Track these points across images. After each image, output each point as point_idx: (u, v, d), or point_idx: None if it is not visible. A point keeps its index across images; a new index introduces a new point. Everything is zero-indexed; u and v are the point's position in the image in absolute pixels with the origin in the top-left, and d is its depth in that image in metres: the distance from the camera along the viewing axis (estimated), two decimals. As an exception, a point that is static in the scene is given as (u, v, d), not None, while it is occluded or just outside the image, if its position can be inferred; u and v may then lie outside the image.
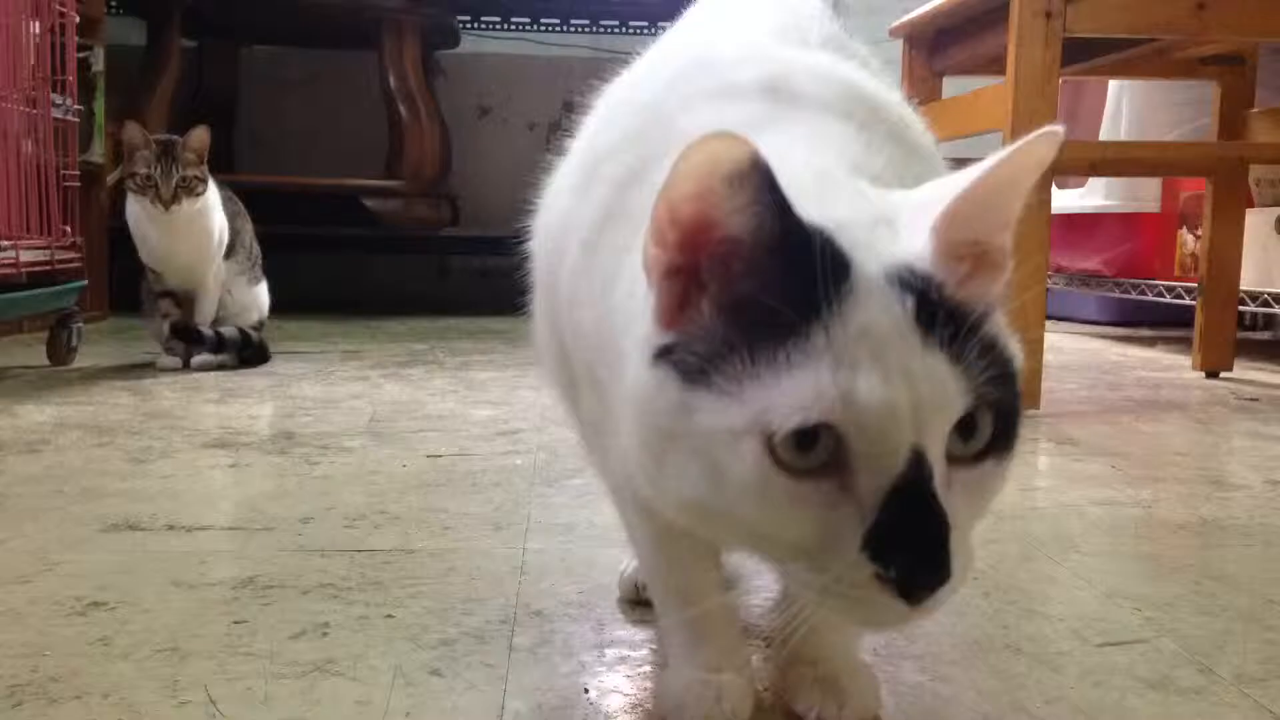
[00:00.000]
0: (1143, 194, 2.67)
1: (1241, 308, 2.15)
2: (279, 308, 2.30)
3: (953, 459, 0.44)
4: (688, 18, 0.74)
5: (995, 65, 1.89)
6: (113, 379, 1.83)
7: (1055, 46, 1.52)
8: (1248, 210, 2.09)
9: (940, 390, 0.42)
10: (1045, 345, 1.62)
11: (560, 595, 0.80)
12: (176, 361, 1.94)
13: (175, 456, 1.24)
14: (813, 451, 0.42)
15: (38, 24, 2.00)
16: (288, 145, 3.79)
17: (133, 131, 1.83)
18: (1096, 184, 2.79)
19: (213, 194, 1.92)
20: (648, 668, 0.67)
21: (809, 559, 0.44)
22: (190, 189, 1.81)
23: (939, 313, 0.43)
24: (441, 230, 3.22)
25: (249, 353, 2.00)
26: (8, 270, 1.80)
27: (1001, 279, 0.47)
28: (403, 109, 3.09)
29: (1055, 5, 1.51)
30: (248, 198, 3.20)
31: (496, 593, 0.80)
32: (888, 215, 0.46)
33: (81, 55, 2.52)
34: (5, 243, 1.81)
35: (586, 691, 0.64)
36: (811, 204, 0.44)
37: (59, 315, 1.99)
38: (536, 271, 0.67)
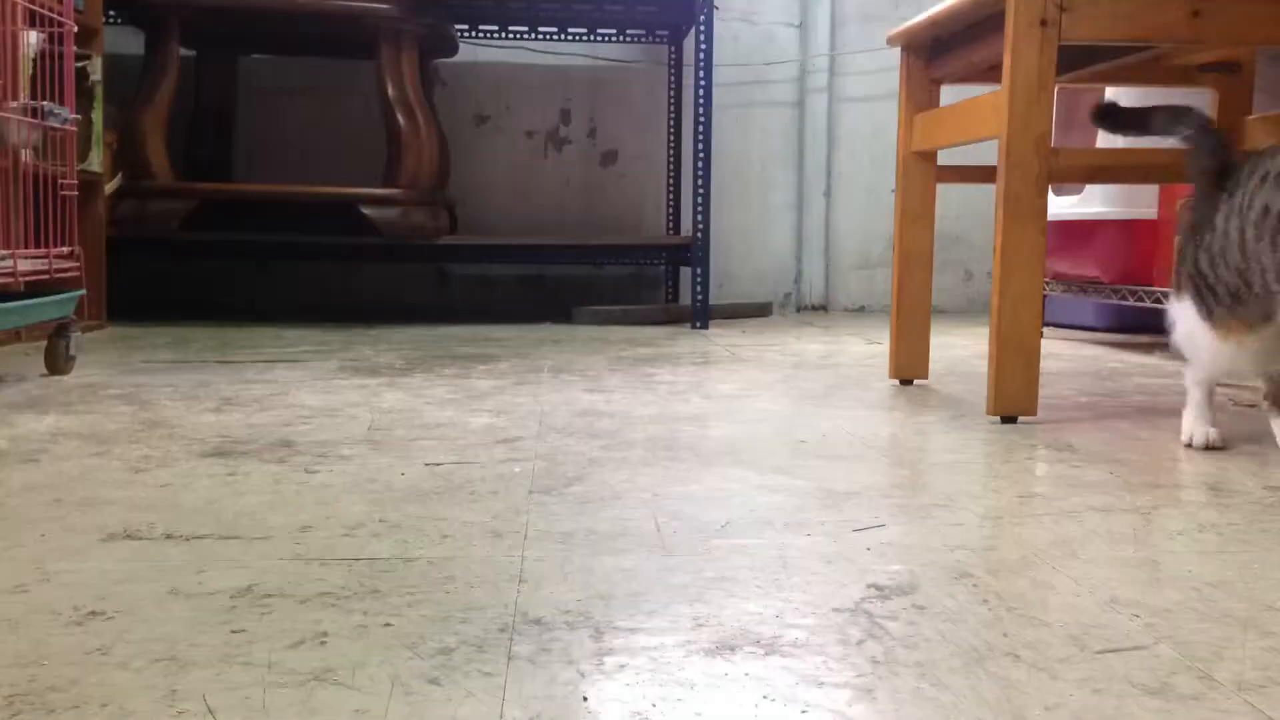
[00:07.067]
0: (1140, 201, 2.68)
1: (1239, 314, 2.15)
2: (278, 316, 2.30)
3: None
4: None
5: (993, 73, 1.89)
6: (111, 388, 1.83)
7: (1050, 54, 1.52)
8: (1245, 216, 2.09)
9: None
10: (1043, 352, 1.62)
11: (559, 603, 0.80)
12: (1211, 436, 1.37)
13: (173, 465, 1.24)
14: None
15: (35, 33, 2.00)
16: (286, 154, 3.79)
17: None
18: (1094, 191, 2.80)
19: None
20: (647, 675, 0.67)
21: None
22: None
23: None
24: (440, 238, 3.22)
25: None
26: (6, 279, 1.81)
27: None
28: (401, 118, 3.09)
29: (1050, 13, 1.51)
30: (247, 207, 3.22)
31: (495, 601, 0.80)
32: None
33: (79, 65, 2.52)
34: (3, 252, 1.82)
35: (585, 700, 0.64)
36: None
37: (57, 324, 1.99)
38: None
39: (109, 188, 2.92)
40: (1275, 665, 0.69)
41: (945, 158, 2.09)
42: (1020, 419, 1.59)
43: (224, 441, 1.39)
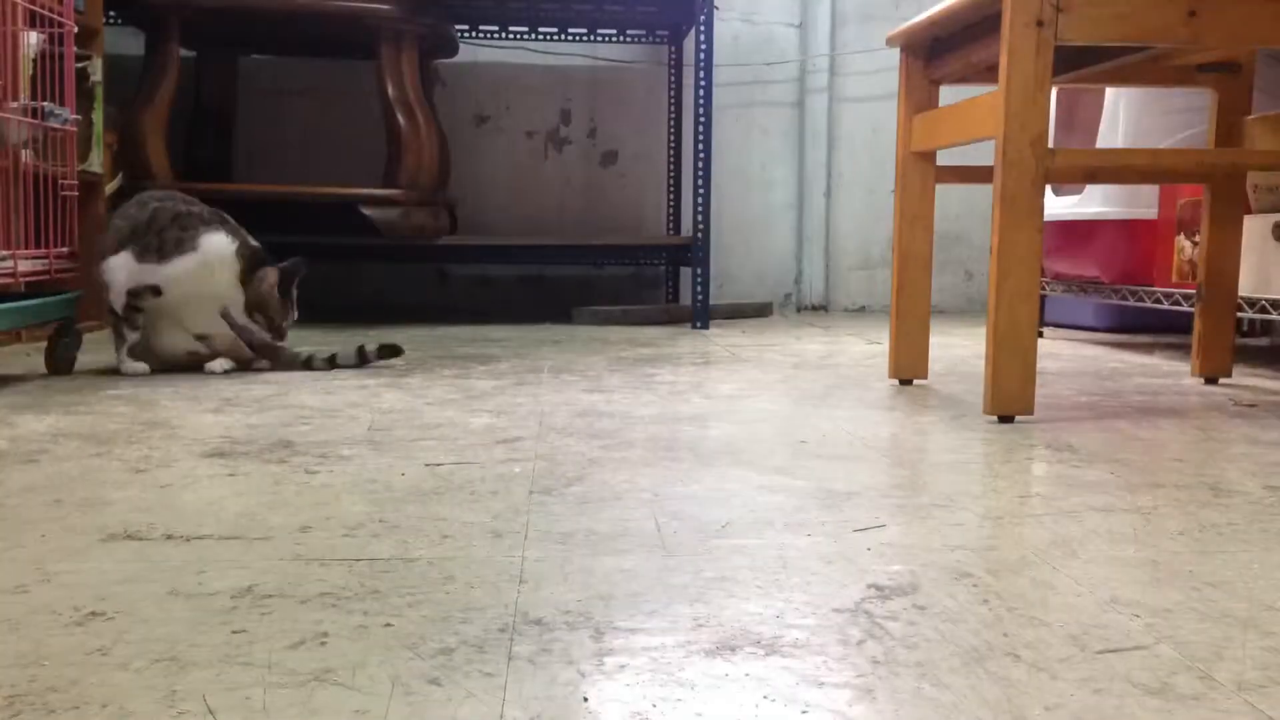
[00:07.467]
0: (1140, 200, 2.68)
1: (1239, 314, 2.15)
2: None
3: None
4: None
5: (991, 73, 1.89)
6: (111, 388, 1.83)
7: (1047, 55, 1.52)
8: (1245, 216, 2.09)
9: None
10: (1043, 352, 1.62)
11: (559, 604, 0.80)
12: None
13: (174, 466, 1.24)
14: None
15: (35, 34, 2.00)
16: (287, 155, 3.79)
17: None
18: (1094, 191, 2.80)
19: None
20: (647, 676, 0.67)
21: None
22: None
23: None
24: (440, 238, 3.22)
25: None
26: (6, 280, 1.81)
27: None
28: (401, 118, 3.09)
29: (1047, 14, 1.51)
30: (247, 208, 3.22)
31: (495, 601, 0.80)
32: None
33: (80, 65, 2.52)
34: (3, 252, 1.82)
35: (585, 700, 0.64)
36: None
37: (57, 324, 1.99)
38: None
39: (109, 188, 2.92)
40: (1275, 665, 0.69)
41: (946, 158, 2.09)
42: (1020, 418, 1.59)
43: (224, 442, 1.39)
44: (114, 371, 2.02)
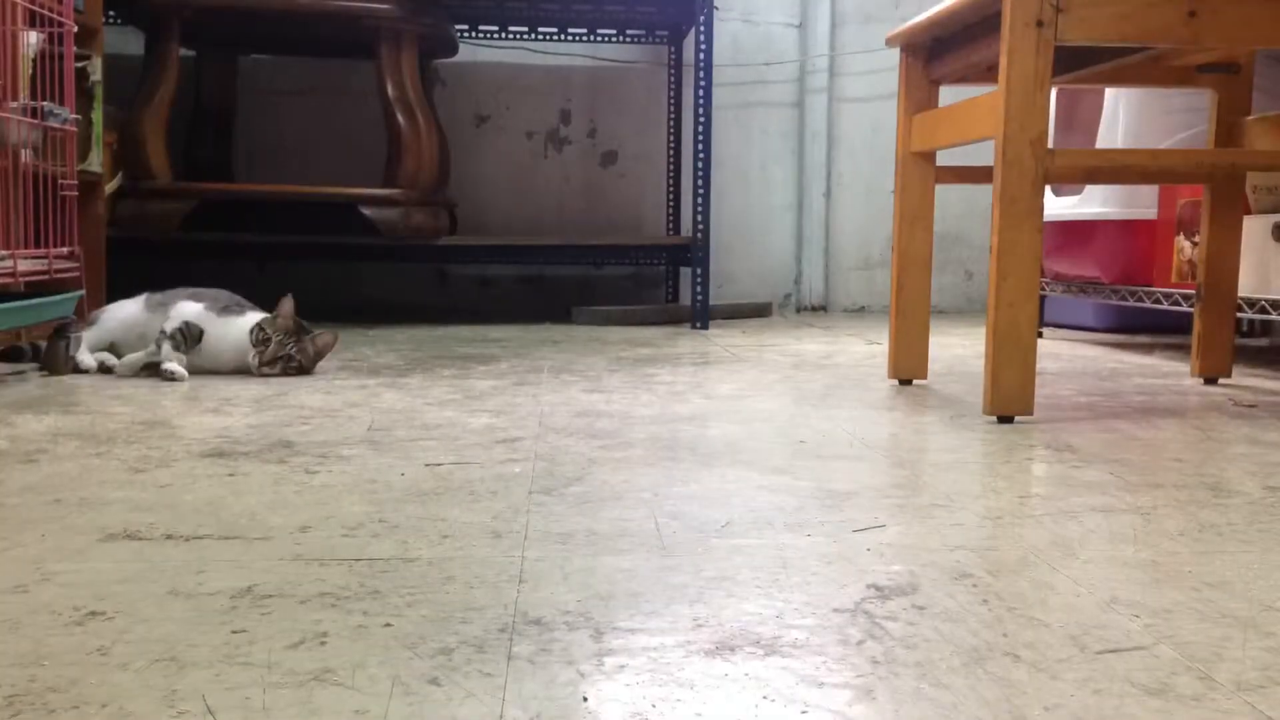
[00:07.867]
0: (1140, 201, 2.68)
1: (1239, 314, 2.15)
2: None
3: None
4: None
5: (991, 74, 1.89)
6: (110, 388, 1.83)
7: (1047, 55, 1.52)
8: (1245, 217, 2.09)
9: None
10: (1043, 352, 1.62)
11: (559, 604, 0.80)
12: None
13: (173, 466, 1.24)
14: None
15: (34, 33, 2.00)
16: (286, 154, 3.79)
17: None
18: (1094, 191, 2.80)
19: None
20: (647, 676, 0.67)
21: None
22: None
23: None
24: (440, 239, 3.22)
25: None
26: (6, 280, 1.81)
27: None
28: (401, 118, 3.09)
29: (1046, 14, 1.51)
30: (247, 208, 3.22)
31: (495, 601, 0.80)
32: None
33: (79, 65, 2.52)
34: (3, 252, 1.82)
35: (585, 700, 0.64)
36: None
37: (57, 325, 1.99)
38: None
39: (109, 188, 2.91)
40: (1275, 665, 0.69)
41: (946, 158, 2.09)
42: (1019, 419, 1.59)
43: (224, 442, 1.39)
44: (110, 371, 2.02)
